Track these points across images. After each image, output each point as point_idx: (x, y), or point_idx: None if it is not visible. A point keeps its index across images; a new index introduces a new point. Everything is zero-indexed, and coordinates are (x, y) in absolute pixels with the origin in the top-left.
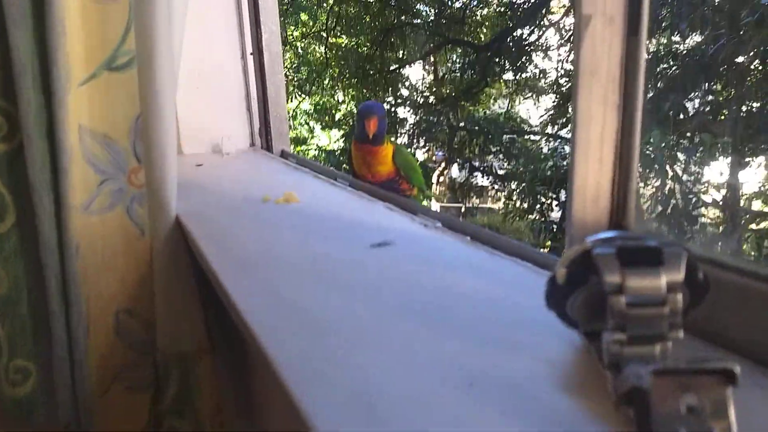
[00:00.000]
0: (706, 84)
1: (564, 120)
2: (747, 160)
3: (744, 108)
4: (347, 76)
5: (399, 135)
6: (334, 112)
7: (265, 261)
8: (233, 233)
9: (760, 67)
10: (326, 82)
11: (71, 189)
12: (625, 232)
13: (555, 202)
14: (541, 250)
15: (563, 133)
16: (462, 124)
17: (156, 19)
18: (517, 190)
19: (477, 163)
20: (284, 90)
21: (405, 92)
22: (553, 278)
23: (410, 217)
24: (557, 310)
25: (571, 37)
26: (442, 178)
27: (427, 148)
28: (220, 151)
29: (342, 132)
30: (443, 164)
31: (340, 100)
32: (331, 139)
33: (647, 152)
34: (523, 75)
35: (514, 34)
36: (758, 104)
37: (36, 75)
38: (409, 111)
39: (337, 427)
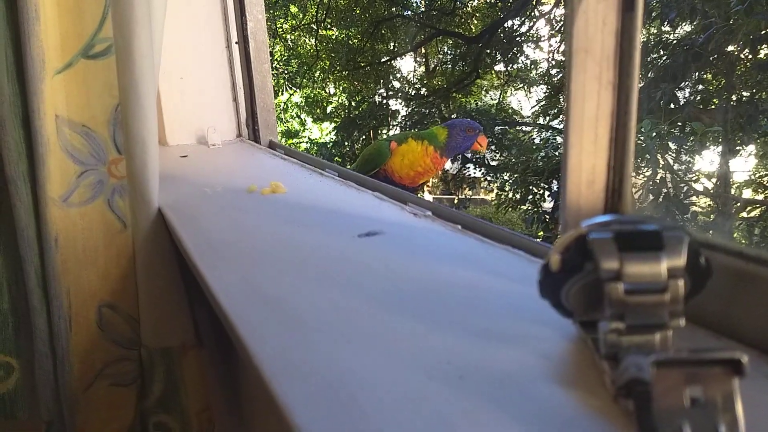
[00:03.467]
0: (697, 73)
1: (555, 111)
2: (737, 148)
3: (734, 97)
4: (338, 68)
5: (391, 127)
6: (325, 104)
7: (247, 253)
8: (216, 225)
9: (750, 56)
10: (317, 74)
11: (49, 180)
12: (623, 216)
13: (547, 193)
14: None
15: (555, 123)
16: (454, 115)
17: (134, 4)
18: (510, 181)
19: (469, 155)
20: (270, 80)
21: (396, 84)
22: (546, 265)
23: (400, 206)
24: (551, 299)
25: (562, 28)
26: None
27: None
28: (206, 143)
29: (334, 125)
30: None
31: (331, 93)
32: (323, 132)
33: (639, 141)
34: (515, 66)
35: (505, 25)
36: (748, 93)
37: (10, 63)
38: (401, 103)
39: (319, 423)
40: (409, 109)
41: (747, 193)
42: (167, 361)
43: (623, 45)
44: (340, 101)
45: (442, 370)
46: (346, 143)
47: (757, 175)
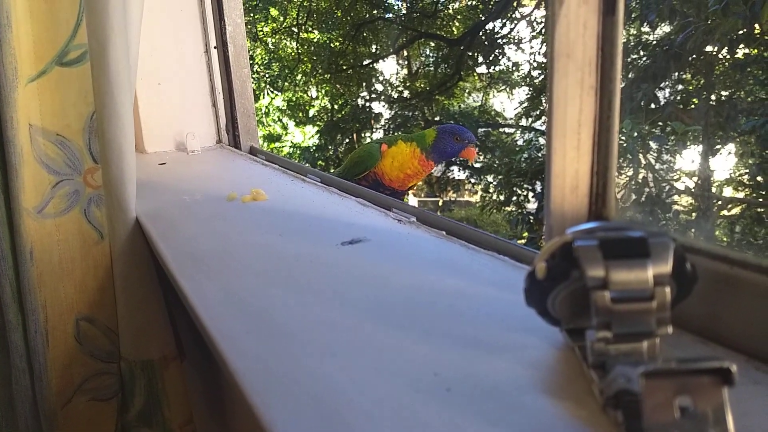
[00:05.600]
0: (676, 73)
1: (538, 112)
2: (717, 147)
3: (713, 96)
4: (320, 71)
5: (374, 130)
6: (307, 108)
7: (227, 263)
8: (195, 234)
9: (728, 56)
10: (298, 77)
11: (23, 191)
12: (608, 223)
13: (531, 194)
14: (519, 241)
15: (537, 125)
16: (437, 118)
17: (109, 10)
18: (494, 183)
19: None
20: (251, 84)
21: (379, 87)
22: (532, 273)
23: (384, 212)
24: (537, 307)
25: (543, 30)
26: None
27: None
28: (185, 149)
29: (317, 128)
30: None
31: (314, 96)
32: (306, 136)
33: (620, 141)
34: (497, 68)
35: (486, 27)
36: (727, 93)
37: None
38: (384, 106)
39: (292, 419)
40: (393, 112)
41: (727, 192)
42: (148, 373)
43: (605, 49)
44: (322, 104)
45: (429, 382)
46: (330, 147)
47: (736, 174)
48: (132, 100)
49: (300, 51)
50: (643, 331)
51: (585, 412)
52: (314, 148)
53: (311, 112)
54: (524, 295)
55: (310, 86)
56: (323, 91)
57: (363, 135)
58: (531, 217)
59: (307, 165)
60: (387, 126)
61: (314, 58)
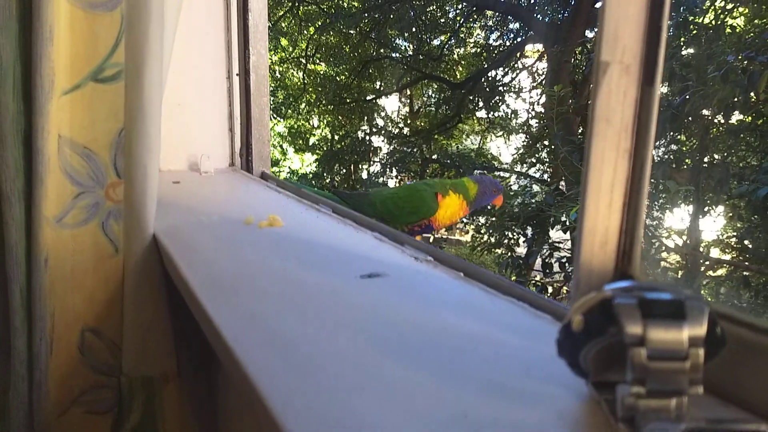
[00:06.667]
0: (671, 133)
1: (533, 159)
2: (707, 209)
3: (706, 159)
4: (323, 102)
5: (372, 163)
6: (308, 136)
7: (249, 287)
8: (215, 255)
9: (723, 121)
10: (302, 106)
11: (45, 200)
12: (642, 283)
13: (522, 238)
14: None
15: (532, 171)
16: (435, 156)
17: (149, 33)
18: (486, 225)
19: None
20: (268, 113)
21: (380, 122)
22: (567, 325)
23: (399, 248)
24: (569, 359)
25: (542, 81)
26: None
27: (399, 177)
28: (198, 170)
29: (315, 156)
30: None
31: (315, 125)
32: (304, 163)
33: None
34: (496, 114)
35: (489, 74)
36: (719, 156)
37: (17, 80)
38: (383, 140)
39: None
40: (391, 147)
41: (714, 253)
42: (148, 390)
43: (641, 116)
44: (323, 134)
45: (459, 423)
46: (327, 175)
47: (724, 236)
48: (160, 120)
49: (306, 81)
50: (676, 389)
51: None
52: (311, 175)
53: (311, 141)
54: (557, 345)
55: (313, 115)
56: (325, 122)
57: (360, 167)
58: (520, 261)
59: (315, 193)
60: (385, 160)
61: (319, 89)
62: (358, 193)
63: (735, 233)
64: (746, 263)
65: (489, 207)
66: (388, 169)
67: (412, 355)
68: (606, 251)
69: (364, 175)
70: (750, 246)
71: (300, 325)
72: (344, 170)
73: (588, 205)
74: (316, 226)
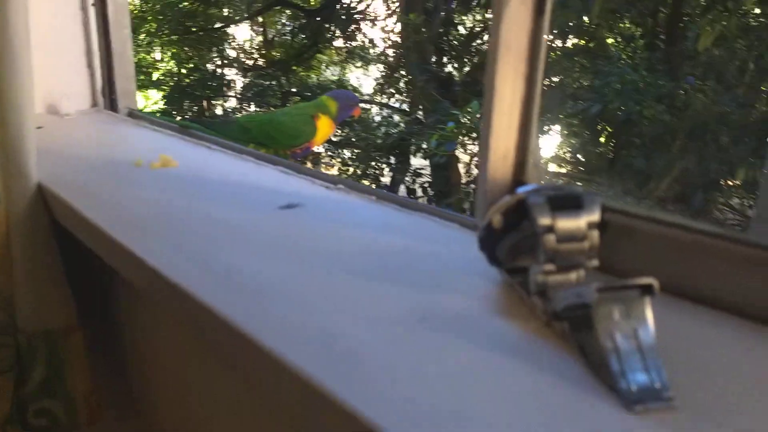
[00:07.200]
0: None
1: (392, 90)
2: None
3: (546, 81)
4: (166, 32)
5: (227, 98)
6: (151, 71)
7: (171, 226)
8: (117, 198)
9: (561, 44)
10: (141, 38)
11: None
12: (546, 185)
13: (387, 168)
14: None
15: (392, 102)
16: (294, 89)
17: None
18: (352, 157)
19: None
20: (131, 46)
21: (232, 53)
22: (488, 224)
23: (309, 179)
24: (488, 252)
25: (397, 9)
26: None
27: (258, 112)
28: (58, 112)
29: (162, 93)
30: None
31: (158, 59)
32: (149, 101)
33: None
34: (353, 43)
35: (344, 1)
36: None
37: None
38: (237, 73)
39: (315, 362)
40: (247, 80)
41: (553, 167)
42: (49, 344)
43: (534, 43)
44: (168, 68)
45: (406, 316)
46: (176, 113)
47: (561, 152)
48: (30, 54)
49: (144, 9)
50: (577, 263)
51: (530, 327)
52: (159, 114)
53: (155, 76)
54: (478, 241)
55: (155, 47)
56: (169, 54)
57: (213, 103)
58: (387, 190)
59: (181, 122)
60: (242, 95)
61: (160, 17)
62: (223, 120)
63: (570, 149)
64: (580, 176)
65: (349, 119)
66: (245, 103)
67: (353, 271)
68: (506, 164)
69: (219, 111)
70: (582, 159)
71: (236, 256)
72: (196, 107)
73: (493, 125)
74: (214, 163)
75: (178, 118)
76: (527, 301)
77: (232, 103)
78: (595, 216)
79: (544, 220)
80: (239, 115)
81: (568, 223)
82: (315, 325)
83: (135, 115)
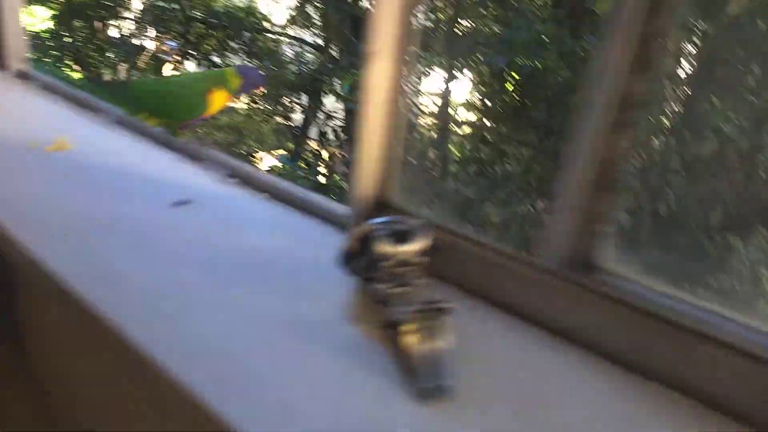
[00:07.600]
0: (431, 1)
1: (304, 20)
2: (457, 75)
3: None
4: None
5: (123, 20)
6: None
7: (56, 220)
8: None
9: None
10: None
11: None
12: (394, 217)
13: (297, 106)
14: (283, 152)
15: (306, 36)
16: (197, 14)
17: None
18: (261, 94)
19: (218, 59)
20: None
21: None
22: (347, 250)
23: (202, 167)
24: (346, 267)
25: None
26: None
27: (159, 38)
28: None
29: (52, 12)
30: (177, 57)
31: None
32: (36, 18)
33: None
34: None
35: None
36: (468, 25)
37: None
38: None
39: (191, 364)
40: (147, 2)
41: (462, 113)
42: None
43: (395, 88)
44: None
45: (270, 320)
46: (67, 35)
47: (470, 98)
48: None
49: None
50: (409, 283)
51: (373, 331)
52: (48, 35)
53: None
54: (340, 261)
55: None
56: None
57: (106, 24)
58: (296, 130)
59: (69, 79)
60: (140, 18)
61: None
62: (117, 82)
63: (480, 96)
64: (486, 122)
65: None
66: (143, 29)
67: (230, 274)
68: (371, 186)
69: (115, 34)
70: (489, 105)
71: (122, 255)
72: (88, 29)
73: (362, 161)
74: (108, 146)
75: (74, 76)
76: (374, 308)
77: (131, 26)
78: (424, 245)
79: (384, 250)
80: (134, 80)
81: (402, 252)
82: (194, 335)
83: (26, 75)
